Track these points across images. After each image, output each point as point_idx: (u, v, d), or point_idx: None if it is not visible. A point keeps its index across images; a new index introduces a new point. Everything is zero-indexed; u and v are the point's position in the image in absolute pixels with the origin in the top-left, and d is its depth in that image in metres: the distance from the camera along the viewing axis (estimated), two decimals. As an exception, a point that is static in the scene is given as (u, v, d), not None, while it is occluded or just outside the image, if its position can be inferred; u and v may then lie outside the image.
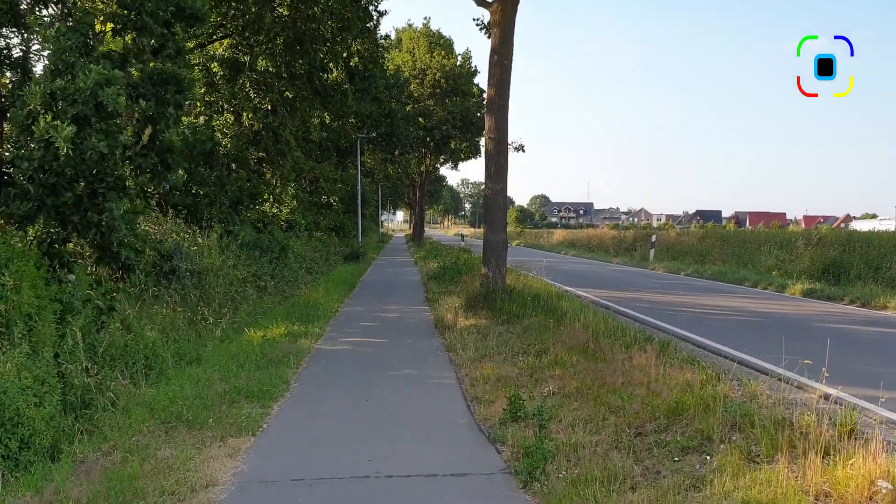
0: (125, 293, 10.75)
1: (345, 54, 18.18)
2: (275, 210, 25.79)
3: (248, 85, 16.63)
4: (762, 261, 23.28)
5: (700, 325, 10.33)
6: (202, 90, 17.03)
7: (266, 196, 24.64)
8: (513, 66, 11.45)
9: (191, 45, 17.68)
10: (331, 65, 17.68)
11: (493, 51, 11.69)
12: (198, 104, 17.71)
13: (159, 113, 8.51)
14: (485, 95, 43.62)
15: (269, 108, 18.43)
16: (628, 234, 40.82)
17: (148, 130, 8.26)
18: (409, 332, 11.38)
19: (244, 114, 16.91)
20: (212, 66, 16.73)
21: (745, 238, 28.67)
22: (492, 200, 11.74)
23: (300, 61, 17.00)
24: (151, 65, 8.72)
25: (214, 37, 17.53)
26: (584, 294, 14.68)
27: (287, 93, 17.22)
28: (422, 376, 8.37)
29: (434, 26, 46.20)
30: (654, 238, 30.07)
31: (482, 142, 48.04)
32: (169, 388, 7.62)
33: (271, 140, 20.57)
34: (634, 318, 11.34)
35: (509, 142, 11.78)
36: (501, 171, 11.63)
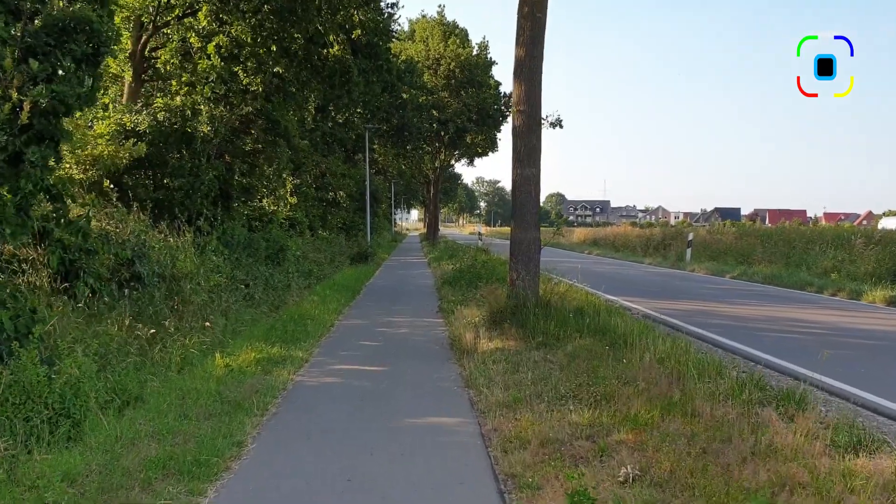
0: (60, 307, 8.55)
1: (347, 26, 15.76)
2: (273, 206, 23.54)
3: (224, 51, 14.26)
4: (817, 262, 20.67)
5: (807, 354, 7.82)
6: (177, 63, 14.76)
7: (262, 190, 22.43)
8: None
9: (168, 17, 15.45)
10: (330, 37, 15.28)
11: (523, 1, 9.27)
12: (173, 84, 15.47)
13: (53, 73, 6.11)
14: (502, 90, 41.22)
15: (261, 89, 16.08)
16: (655, 233, 38.16)
17: (28, 102, 5.83)
18: (417, 357, 8.98)
19: (223, 90, 14.51)
20: (189, 37, 14.41)
21: (790, 236, 25.98)
22: (521, 189, 9.30)
23: (294, 32, 14.65)
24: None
25: (196, 6, 15.23)
26: (631, 305, 12.20)
27: (278, 68, 14.85)
28: (432, 430, 5.97)
29: (448, 17, 43.73)
30: (690, 237, 27.44)
31: (499, 136, 45.75)
32: (72, 453, 5.35)
33: (263, 128, 18.33)
34: (716, 344, 8.74)
35: (543, 116, 9.38)
36: (533, 153, 9.20)
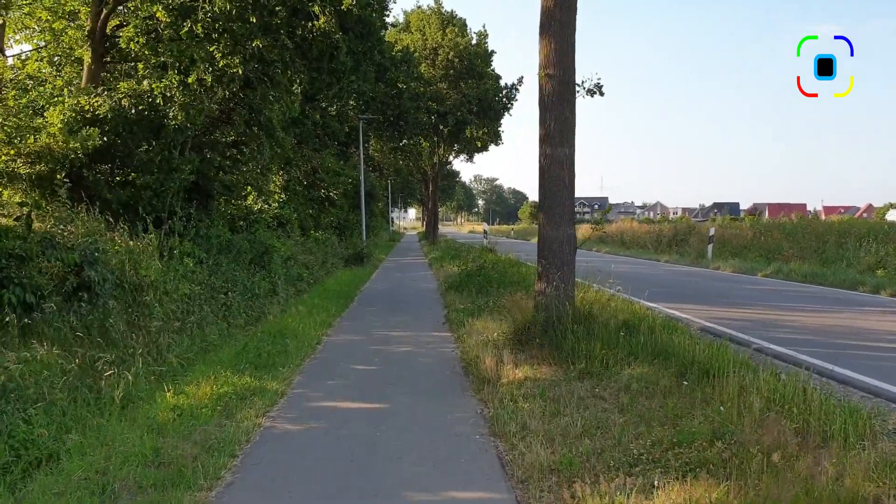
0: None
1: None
2: (261, 204, 21.63)
3: (200, 29, 12.38)
4: (856, 258, 18.82)
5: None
6: (142, 42, 12.85)
7: (247, 187, 20.54)
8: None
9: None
10: (316, 8, 13.39)
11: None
12: (139, 66, 13.56)
13: None
14: (503, 82, 39.26)
15: (240, 72, 14.15)
16: (666, 228, 36.30)
17: None
18: (425, 387, 7.09)
19: (197, 73, 12.64)
20: (156, 11, 12.49)
21: (819, 230, 24.10)
22: (551, 174, 7.40)
23: (275, 1, 12.78)
24: None
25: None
26: (678, 314, 10.32)
27: (257, 42, 12.92)
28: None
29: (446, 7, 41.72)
30: (712, 232, 25.53)
31: (501, 128, 43.77)
32: None
33: (246, 119, 16.43)
34: (820, 372, 6.62)
35: (577, 81, 7.49)
36: (566, 128, 7.32)
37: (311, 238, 25.41)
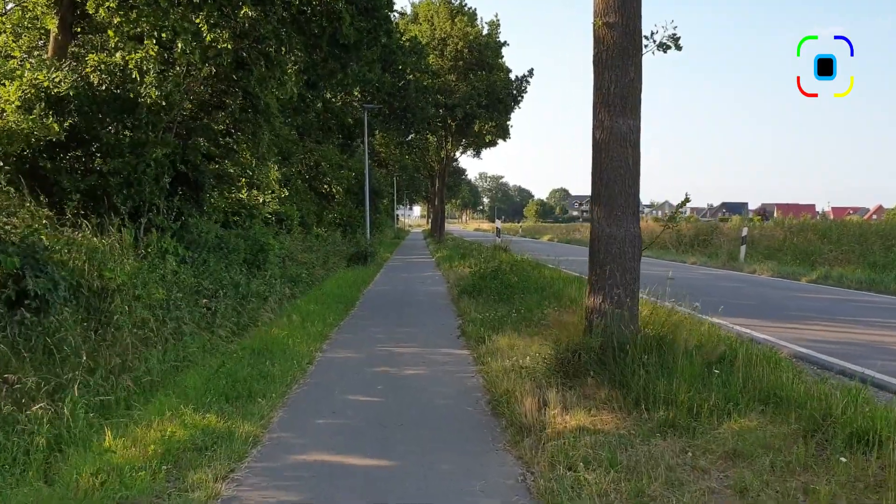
0: None
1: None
2: (258, 198, 19.98)
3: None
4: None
5: None
6: (113, 7, 11.18)
7: (242, 179, 18.89)
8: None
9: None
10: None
11: None
12: (110, 35, 11.91)
13: None
14: (513, 75, 37.55)
15: (229, 47, 12.49)
16: (686, 228, 34.49)
17: None
18: (440, 435, 5.35)
19: (181, 44, 10.99)
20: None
21: (858, 232, 22.29)
22: (610, 153, 5.62)
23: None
24: None
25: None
26: (751, 332, 8.57)
27: (247, 10, 11.28)
28: None
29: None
30: (745, 232, 23.72)
31: (510, 123, 41.92)
32: None
33: (241, 105, 14.78)
34: None
35: (645, 34, 5.74)
36: (630, 92, 5.56)
37: (313, 235, 23.79)
